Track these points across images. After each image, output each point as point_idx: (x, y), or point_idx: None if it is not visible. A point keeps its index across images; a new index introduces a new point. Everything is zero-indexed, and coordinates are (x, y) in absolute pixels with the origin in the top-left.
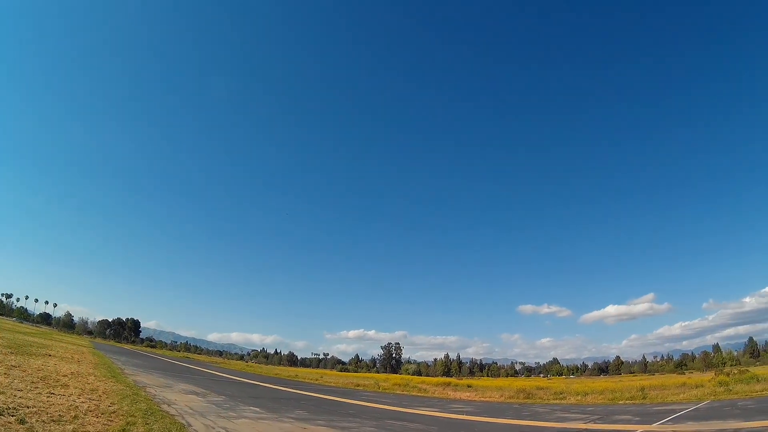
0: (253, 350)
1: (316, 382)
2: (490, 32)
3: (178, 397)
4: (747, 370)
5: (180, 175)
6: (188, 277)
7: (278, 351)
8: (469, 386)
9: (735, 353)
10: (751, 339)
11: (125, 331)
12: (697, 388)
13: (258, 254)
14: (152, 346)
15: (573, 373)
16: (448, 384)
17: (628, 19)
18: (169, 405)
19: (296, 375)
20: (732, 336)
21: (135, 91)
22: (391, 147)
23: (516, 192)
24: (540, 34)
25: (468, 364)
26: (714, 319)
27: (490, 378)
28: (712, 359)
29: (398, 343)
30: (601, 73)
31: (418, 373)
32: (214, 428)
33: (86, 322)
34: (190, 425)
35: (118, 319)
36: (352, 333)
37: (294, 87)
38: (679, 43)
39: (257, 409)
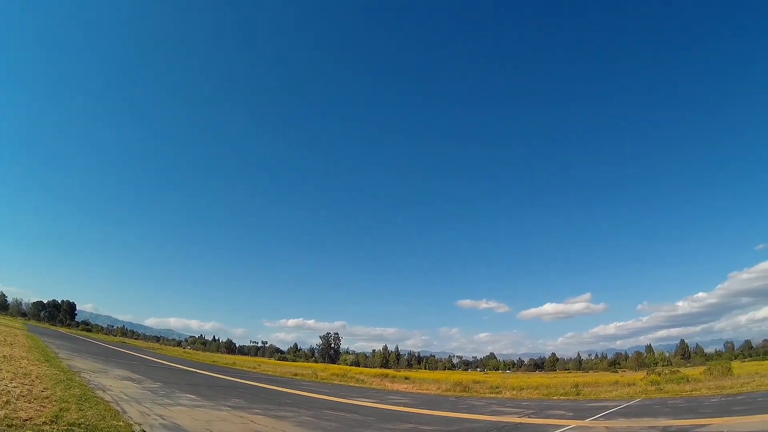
0: (191, 336)
1: (254, 371)
2: (456, 29)
3: (114, 383)
4: (678, 371)
5: (119, 154)
6: (126, 260)
7: (217, 338)
8: (406, 378)
9: (667, 354)
10: (682, 341)
11: (60, 313)
12: (629, 386)
13: (198, 240)
14: (88, 330)
15: (509, 368)
16: (386, 375)
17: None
18: (104, 391)
19: (234, 363)
20: (664, 338)
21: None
22: (335, 139)
23: (459, 188)
24: (501, 30)
25: (406, 357)
26: (648, 320)
27: (428, 371)
28: (644, 359)
29: (337, 334)
30: (542, 71)
31: (357, 364)
32: (149, 415)
33: (20, 304)
34: (125, 412)
35: (54, 301)
36: (291, 322)
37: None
38: (594, 42)
39: (194, 396)
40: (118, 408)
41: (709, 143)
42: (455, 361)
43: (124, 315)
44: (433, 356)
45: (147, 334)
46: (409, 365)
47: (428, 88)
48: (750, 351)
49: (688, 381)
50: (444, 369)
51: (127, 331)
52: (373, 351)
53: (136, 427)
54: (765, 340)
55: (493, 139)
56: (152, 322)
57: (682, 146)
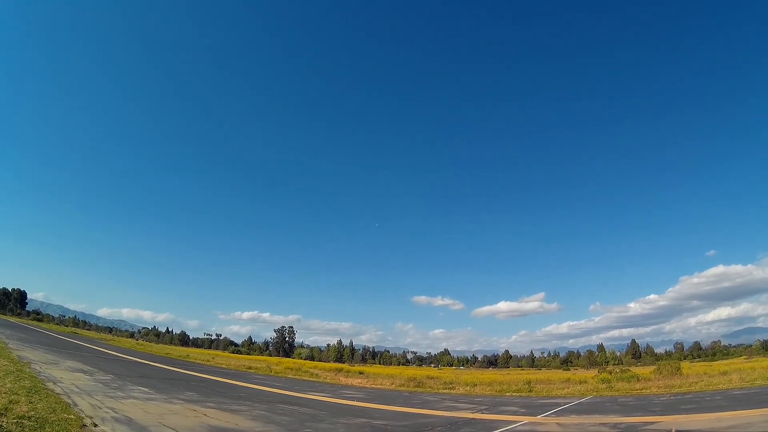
0: (144, 328)
1: (208, 363)
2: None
3: (65, 375)
4: (628, 370)
5: (70, 140)
6: (79, 248)
7: (170, 330)
8: (360, 373)
9: (618, 353)
10: (633, 341)
11: (10, 302)
12: (581, 383)
13: (152, 229)
14: (39, 320)
15: (463, 365)
16: (341, 370)
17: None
18: (54, 383)
19: (188, 355)
20: (616, 337)
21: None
22: (284, 134)
23: (416, 185)
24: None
25: (361, 351)
26: (600, 321)
27: (382, 366)
28: (596, 358)
29: (292, 327)
30: (487, 69)
31: (311, 358)
32: (101, 408)
33: None
34: (76, 405)
35: (3, 289)
36: (246, 315)
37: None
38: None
39: (146, 389)
40: (69, 401)
41: (663, 150)
42: (410, 356)
43: (77, 304)
44: (388, 351)
45: (99, 324)
46: (364, 360)
47: (382, 84)
48: (699, 352)
49: (638, 380)
50: (398, 364)
51: (79, 322)
52: (328, 345)
53: (87, 420)
54: (713, 342)
55: (449, 136)
56: (105, 312)
57: (636, 152)
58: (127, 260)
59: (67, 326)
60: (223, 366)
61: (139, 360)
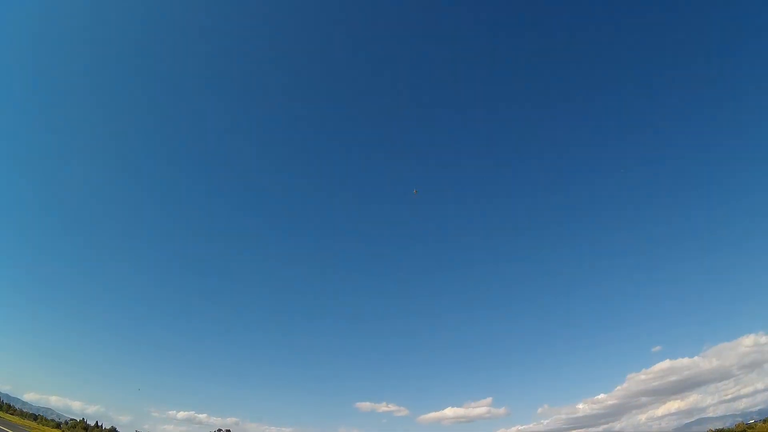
0: (71, 419)
1: None
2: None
3: None
4: None
5: None
6: (7, 321)
7: (100, 424)
8: None
9: None
10: None
11: None
12: None
13: (85, 312)
14: None
15: None
16: None
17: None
18: None
19: None
20: None
21: None
22: (218, 224)
23: (359, 286)
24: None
25: None
26: (549, 423)
27: None
28: None
29: (229, 431)
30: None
31: None
32: None
33: None
34: None
35: None
36: (181, 414)
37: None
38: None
39: None
40: None
41: (600, 254)
42: None
43: (2, 385)
44: None
45: (24, 410)
46: None
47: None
48: None
49: None
50: None
51: (2, 404)
52: None
53: None
54: None
55: (393, 240)
56: (32, 396)
57: (578, 251)
58: (58, 342)
59: None
60: None
61: None
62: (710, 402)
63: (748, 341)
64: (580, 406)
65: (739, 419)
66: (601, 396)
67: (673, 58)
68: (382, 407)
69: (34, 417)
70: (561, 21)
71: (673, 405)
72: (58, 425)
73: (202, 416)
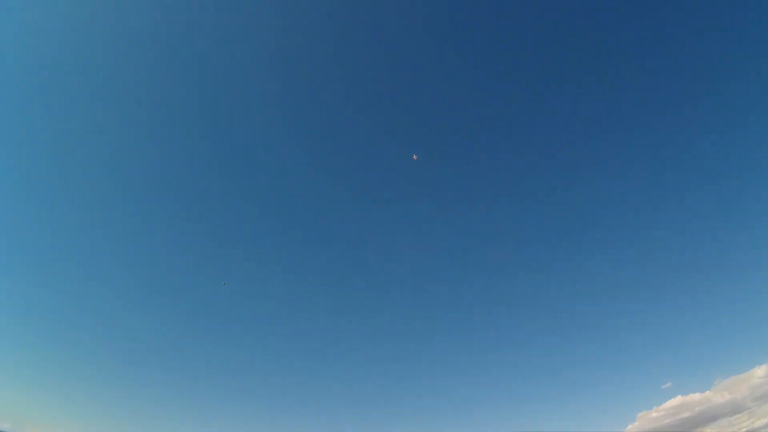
0: None
1: None
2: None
3: None
4: None
5: None
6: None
7: None
8: None
9: None
10: None
11: None
12: None
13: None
14: None
15: None
16: None
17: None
18: None
19: None
20: None
21: None
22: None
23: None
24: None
25: None
26: None
27: None
28: None
29: None
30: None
31: None
32: None
33: None
34: None
35: None
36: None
37: None
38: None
39: None
40: None
41: (604, 290)
42: None
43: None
44: None
45: None
46: None
47: None
48: None
49: None
50: None
51: None
52: None
53: None
54: None
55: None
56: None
57: (582, 287)
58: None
59: None
60: None
61: None
62: None
63: (760, 372)
64: None
65: None
66: None
67: (690, 59)
68: None
69: None
70: (563, 20)
71: None
72: None
73: None
